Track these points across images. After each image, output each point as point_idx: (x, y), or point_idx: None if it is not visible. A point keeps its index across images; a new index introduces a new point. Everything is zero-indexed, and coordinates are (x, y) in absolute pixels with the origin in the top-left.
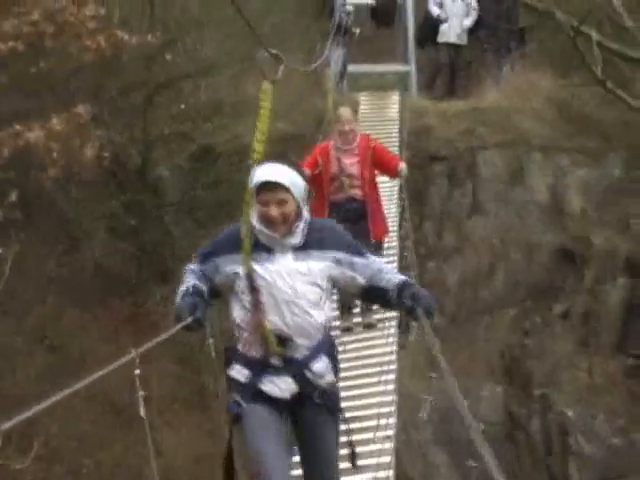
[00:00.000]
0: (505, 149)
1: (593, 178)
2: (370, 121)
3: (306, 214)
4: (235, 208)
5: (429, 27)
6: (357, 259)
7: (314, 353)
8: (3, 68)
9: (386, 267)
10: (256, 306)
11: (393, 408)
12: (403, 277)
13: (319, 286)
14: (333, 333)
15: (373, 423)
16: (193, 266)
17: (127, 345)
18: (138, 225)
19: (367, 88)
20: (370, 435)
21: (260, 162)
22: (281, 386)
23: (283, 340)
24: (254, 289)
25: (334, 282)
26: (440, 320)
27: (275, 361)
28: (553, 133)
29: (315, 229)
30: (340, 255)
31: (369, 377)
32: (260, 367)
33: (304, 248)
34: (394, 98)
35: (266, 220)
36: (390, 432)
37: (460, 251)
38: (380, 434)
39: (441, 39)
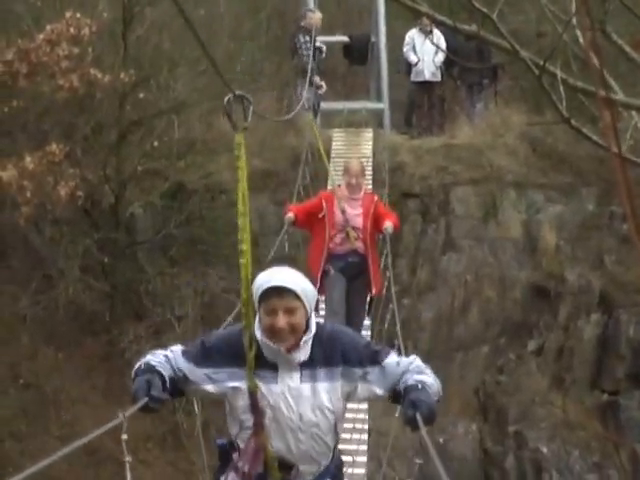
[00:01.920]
0: (478, 186)
1: (567, 214)
2: (343, 158)
3: (313, 326)
4: (209, 246)
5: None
6: (372, 369)
7: (319, 478)
8: None
9: (410, 366)
10: (259, 428)
11: (363, 471)
12: (415, 379)
13: (329, 410)
14: None
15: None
16: (170, 354)
17: (100, 384)
18: (111, 263)
19: (340, 125)
20: None
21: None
22: None
23: (286, 466)
24: (257, 410)
25: (349, 396)
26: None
27: None
28: (526, 169)
29: (322, 341)
30: (350, 370)
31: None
32: None
33: (310, 366)
34: (367, 135)
35: (271, 332)
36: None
37: (434, 288)
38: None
39: (415, 78)
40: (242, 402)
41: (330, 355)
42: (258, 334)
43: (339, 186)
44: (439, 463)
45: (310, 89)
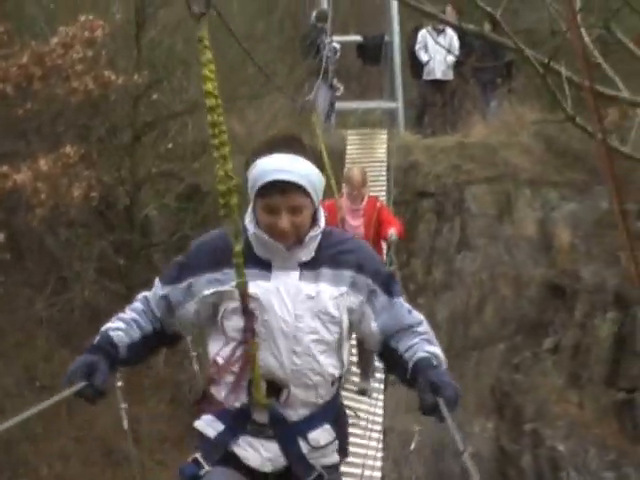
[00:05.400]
0: (493, 184)
1: (581, 211)
2: (358, 161)
3: (322, 220)
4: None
5: (417, 63)
6: (381, 294)
7: (315, 417)
8: None
9: (419, 327)
10: (247, 337)
11: (379, 463)
12: (427, 350)
13: (333, 319)
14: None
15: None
16: (149, 293)
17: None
18: (127, 265)
19: (355, 125)
20: None
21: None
22: (262, 453)
23: (275, 389)
24: (248, 313)
25: (350, 315)
26: None
27: (260, 417)
28: (541, 167)
29: (331, 242)
30: (360, 279)
31: (355, 435)
32: (238, 422)
33: (314, 265)
34: (382, 137)
35: (271, 231)
36: None
37: (449, 287)
38: None
39: (427, 77)
40: (227, 307)
41: (340, 257)
42: (251, 227)
43: (341, 196)
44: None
45: (327, 89)
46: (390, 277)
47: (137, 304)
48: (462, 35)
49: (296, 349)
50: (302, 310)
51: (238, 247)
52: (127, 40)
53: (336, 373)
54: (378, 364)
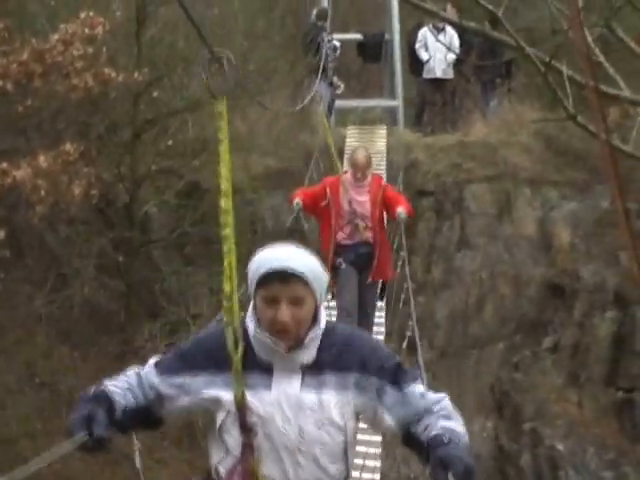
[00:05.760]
0: (493, 183)
1: (581, 211)
2: None
3: (323, 319)
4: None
5: (416, 61)
6: (390, 389)
7: None
8: None
9: (435, 406)
10: (247, 451)
11: (378, 458)
12: (440, 427)
13: (338, 427)
14: None
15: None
16: (142, 371)
17: None
18: (126, 262)
19: (355, 123)
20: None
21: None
22: None
23: None
24: (246, 428)
25: (358, 416)
26: (429, 355)
27: None
28: (541, 166)
29: (333, 342)
30: (365, 379)
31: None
32: None
33: (316, 370)
34: (381, 132)
35: (272, 326)
36: (377, 476)
37: (449, 285)
38: (366, 476)
39: (427, 75)
40: (225, 418)
41: (343, 359)
42: (251, 326)
43: (345, 172)
44: None
45: (327, 87)
46: (397, 367)
47: (131, 377)
48: (461, 33)
49: (300, 461)
50: (305, 420)
51: (237, 356)
52: (127, 37)
53: (342, 478)
54: None
